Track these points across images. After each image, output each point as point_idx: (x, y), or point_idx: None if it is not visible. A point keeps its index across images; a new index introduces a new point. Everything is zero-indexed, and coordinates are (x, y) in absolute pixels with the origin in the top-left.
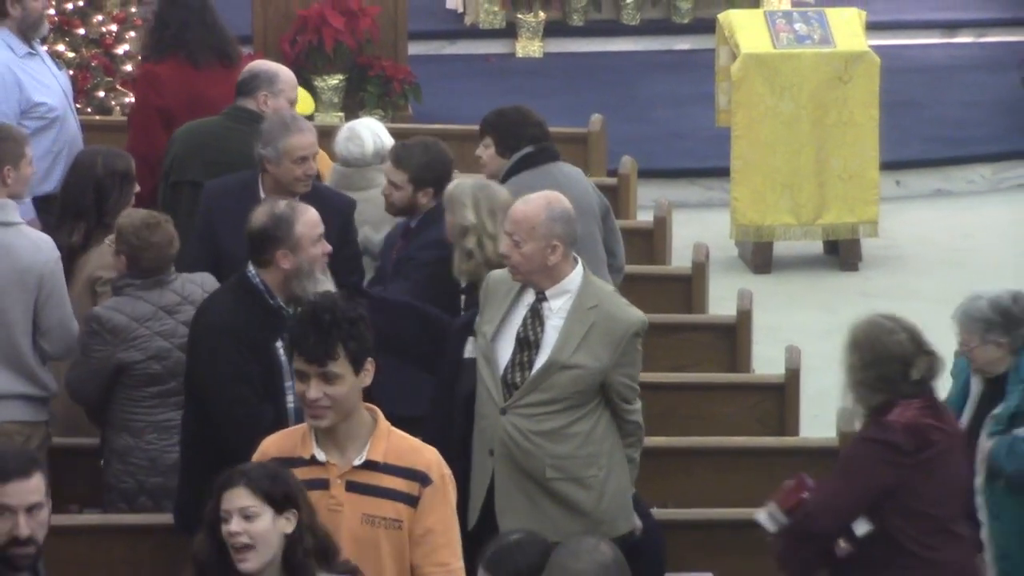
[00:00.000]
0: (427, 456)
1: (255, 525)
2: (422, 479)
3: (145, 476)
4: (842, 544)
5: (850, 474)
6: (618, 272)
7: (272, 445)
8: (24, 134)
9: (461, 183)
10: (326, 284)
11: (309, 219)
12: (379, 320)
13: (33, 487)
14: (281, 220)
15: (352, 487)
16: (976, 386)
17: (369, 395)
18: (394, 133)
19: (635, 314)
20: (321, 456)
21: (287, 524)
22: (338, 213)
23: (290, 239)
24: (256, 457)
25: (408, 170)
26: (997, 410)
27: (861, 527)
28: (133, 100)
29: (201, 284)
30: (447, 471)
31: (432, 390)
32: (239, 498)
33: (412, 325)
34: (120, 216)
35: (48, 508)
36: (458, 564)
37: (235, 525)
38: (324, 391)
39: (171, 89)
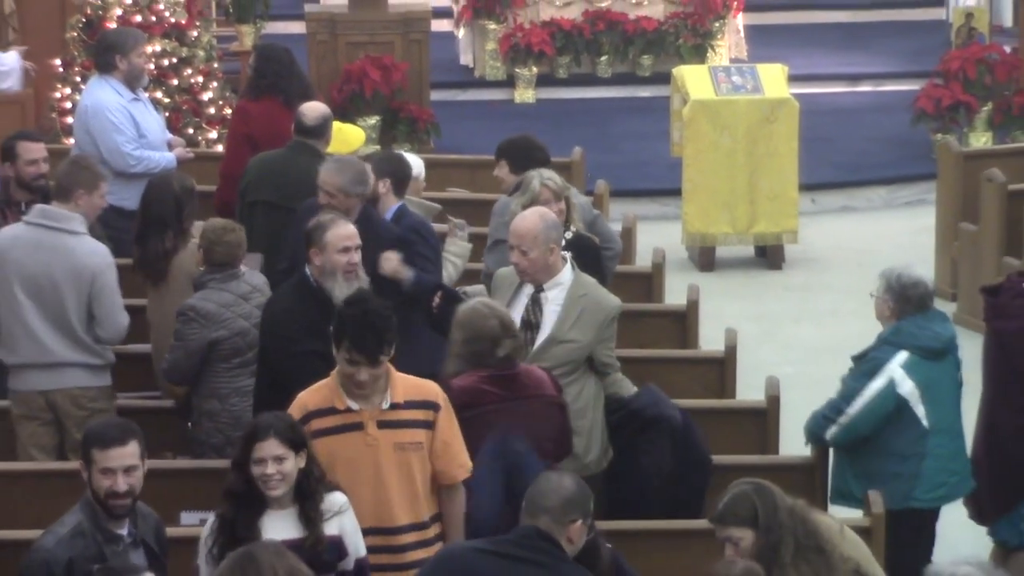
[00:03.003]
0: (431, 387)
1: (284, 466)
2: (434, 407)
3: (231, 431)
4: None
5: None
6: (612, 259)
7: (309, 399)
8: (102, 172)
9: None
10: (346, 290)
11: (339, 231)
12: (450, 309)
13: (129, 452)
14: (318, 226)
15: (382, 425)
16: None
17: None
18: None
19: (614, 300)
20: (355, 406)
21: (300, 460)
22: (387, 237)
23: (320, 242)
24: (296, 408)
25: (371, 162)
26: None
27: None
28: (229, 132)
29: (262, 276)
30: (445, 395)
31: None
32: (272, 447)
33: None
34: (205, 222)
35: (143, 467)
36: (470, 463)
37: (271, 468)
38: (371, 374)
39: (259, 122)
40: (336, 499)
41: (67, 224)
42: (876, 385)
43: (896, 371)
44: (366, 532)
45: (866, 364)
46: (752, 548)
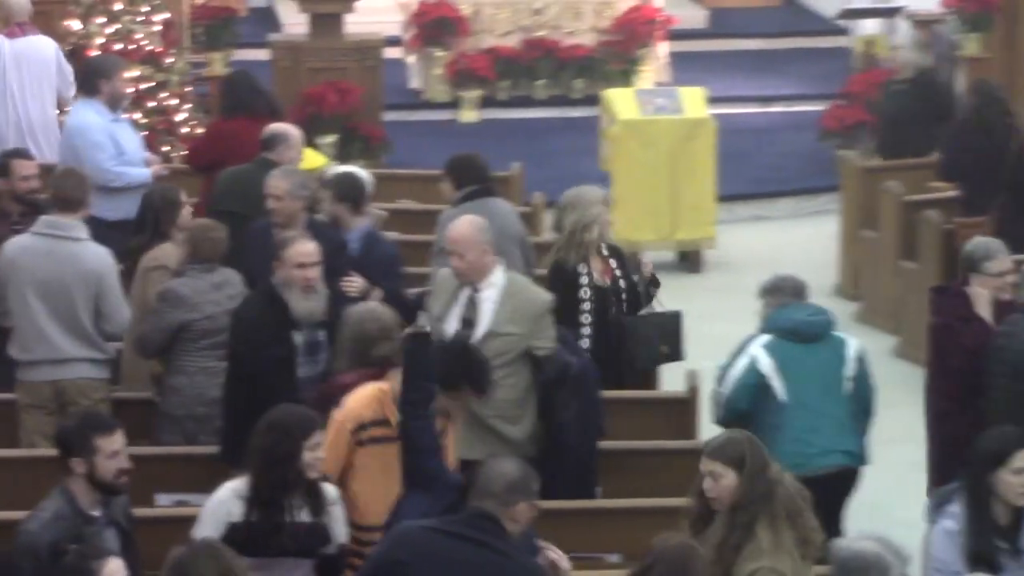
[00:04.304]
0: None
1: (323, 451)
2: None
3: (193, 406)
4: None
5: None
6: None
7: (363, 411)
8: (86, 177)
9: (586, 190)
10: (303, 303)
11: (297, 249)
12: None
13: (121, 434)
14: (282, 241)
15: None
16: None
17: None
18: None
19: (545, 295)
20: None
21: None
22: (327, 244)
23: (281, 256)
24: (351, 419)
25: (330, 188)
26: None
27: None
28: (204, 133)
29: (238, 276)
30: None
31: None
32: (321, 435)
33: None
34: (193, 222)
35: None
36: None
37: (322, 452)
38: None
39: (229, 137)
40: (331, 490)
41: (72, 232)
42: (741, 363)
43: (757, 350)
44: None
45: (737, 349)
46: (733, 491)
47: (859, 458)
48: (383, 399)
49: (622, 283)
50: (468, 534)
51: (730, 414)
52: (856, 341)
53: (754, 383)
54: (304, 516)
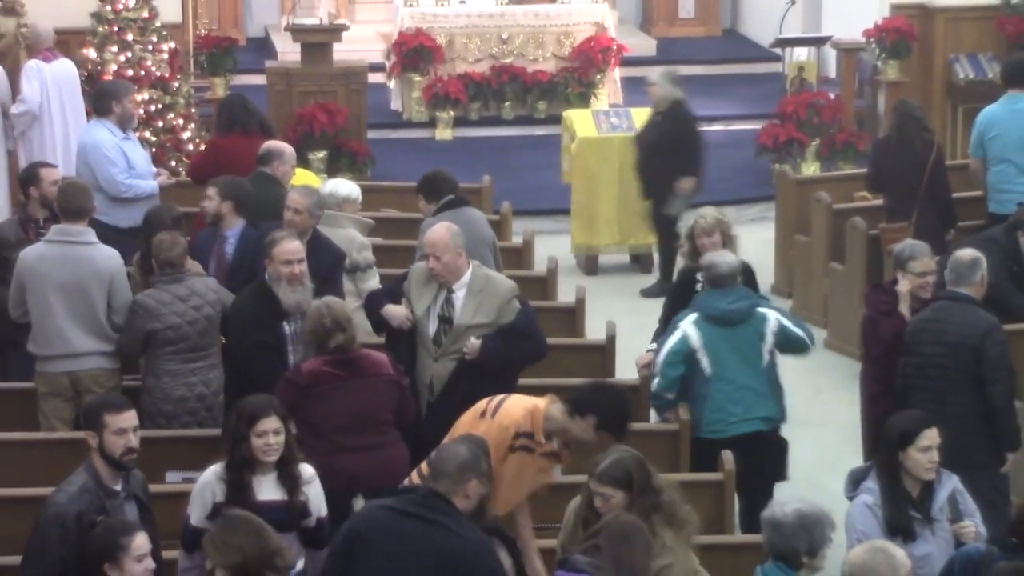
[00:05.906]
0: None
1: (280, 437)
2: None
3: (161, 404)
4: None
5: None
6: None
7: (522, 421)
8: (90, 187)
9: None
10: (290, 295)
11: (284, 247)
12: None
13: (134, 415)
14: (271, 240)
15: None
16: None
17: None
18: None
19: (509, 283)
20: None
21: (286, 432)
22: (328, 256)
23: (270, 254)
24: (515, 427)
25: (217, 186)
26: None
27: None
28: (204, 150)
29: (212, 285)
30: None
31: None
32: (273, 422)
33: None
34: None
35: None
36: None
37: (272, 439)
38: None
39: (226, 151)
40: (307, 469)
41: (85, 238)
42: (673, 338)
43: (688, 327)
44: None
45: (670, 328)
46: (622, 507)
47: (775, 421)
48: (535, 415)
49: None
50: (419, 512)
51: (665, 380)
52: (774, 315)
53: (685, 351)
54: (272, 493)
